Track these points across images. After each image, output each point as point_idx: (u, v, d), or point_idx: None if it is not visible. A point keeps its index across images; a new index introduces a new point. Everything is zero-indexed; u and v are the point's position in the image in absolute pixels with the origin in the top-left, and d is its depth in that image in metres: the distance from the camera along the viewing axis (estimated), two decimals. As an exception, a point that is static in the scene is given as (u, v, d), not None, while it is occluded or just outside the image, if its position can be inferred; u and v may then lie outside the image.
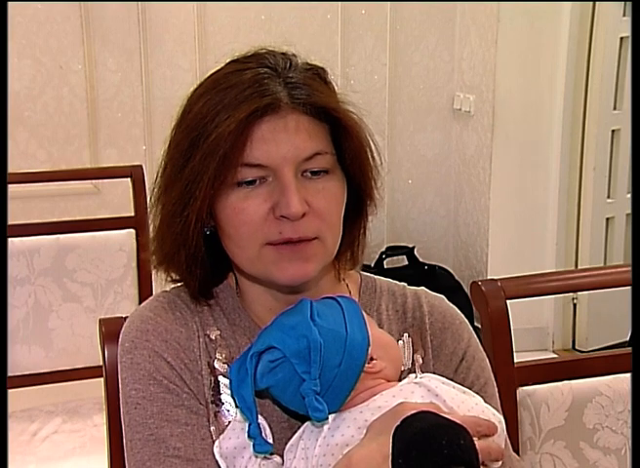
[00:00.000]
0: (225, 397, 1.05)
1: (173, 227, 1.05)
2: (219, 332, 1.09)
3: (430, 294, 1.18)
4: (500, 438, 1.00)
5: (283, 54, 1.07)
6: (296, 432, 1.02)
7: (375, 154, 1.09)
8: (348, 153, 1.06)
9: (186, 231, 1.04)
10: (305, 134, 1.02)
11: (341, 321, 1.00)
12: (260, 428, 0.98)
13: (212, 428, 1.04)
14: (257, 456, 1.00)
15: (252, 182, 1.02)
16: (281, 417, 1.05)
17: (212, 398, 1.05)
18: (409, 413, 0.93)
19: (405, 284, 1.19)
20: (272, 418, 1.05)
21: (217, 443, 1.03)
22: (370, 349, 0.99)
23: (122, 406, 1.06)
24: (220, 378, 1.06)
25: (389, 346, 1.06)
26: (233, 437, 1.02)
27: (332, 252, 1.06)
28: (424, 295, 1.17)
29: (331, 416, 0.98)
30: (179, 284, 1.14)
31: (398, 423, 0.92)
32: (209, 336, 1.08)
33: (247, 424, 0.99)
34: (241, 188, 1.02)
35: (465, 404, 0.98)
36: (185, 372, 1.05)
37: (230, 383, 1.01)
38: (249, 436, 0.98)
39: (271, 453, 1.01)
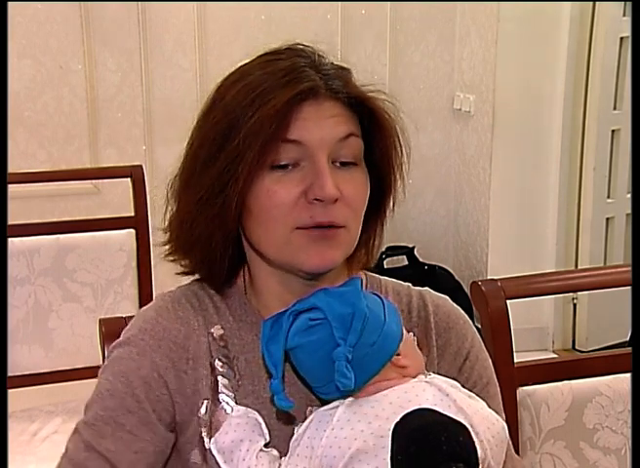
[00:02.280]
0: (223, 397, 1.06)
1: (208, 210, 1.04)
2: (222, 331, 1.09)
3: (434, 294, 1.19)
4: (504, 443, 1.00)
5: (314, 50, 1.09)
6: (294, 427, 1.03)
7: (404, 150, 1.10)
8: (378, 145, 1.08)
9: (225, 212, 1.03)
10: (342, 118, 1.04)
11: (382, 309, 1.01)
12: (283, 384, 0.98)
13: (204, 428, 1.05)
14: (255, 449, 1.00)
15: (285, 167, 1.02)
16: (280, 413, 1.05)
17: (210, 397, 1.06)
18: (409, 409, 0.93)
19: (409, 284, 1.20)
20: (271, 414, 1.05)
21: (213, 439, 1.03)
22: (401, 344, 1.00)
23: (95, 385, 1.08)
24: (219, 378, 1.06)
25: (416, 352, 1.06)
26: (230, 431, 1.02)
27: (354, 243, 1.07)
28: (429, 295, 1.18)
29: (340, 408, 0.98)
30: (193, 278, 1.14)
31: (398, 420, 0.92)
32: (212, 335, 1.08)
33: (271, 380, 0.99)
34: (275, 171, 1.02)
35: (471, 407, 0.98)
36: (170, 372, 1.05)
37: (262, 338, 1.01)
38: (271, 390, 0.98)
39: (267, 445, 1.02)
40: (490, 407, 1.08)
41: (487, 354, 1.18)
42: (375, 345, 0.97)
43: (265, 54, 1.08)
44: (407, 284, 1.20)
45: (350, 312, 0.96)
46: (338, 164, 1.04)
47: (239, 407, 1.04)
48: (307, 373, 1.01)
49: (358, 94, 1.06)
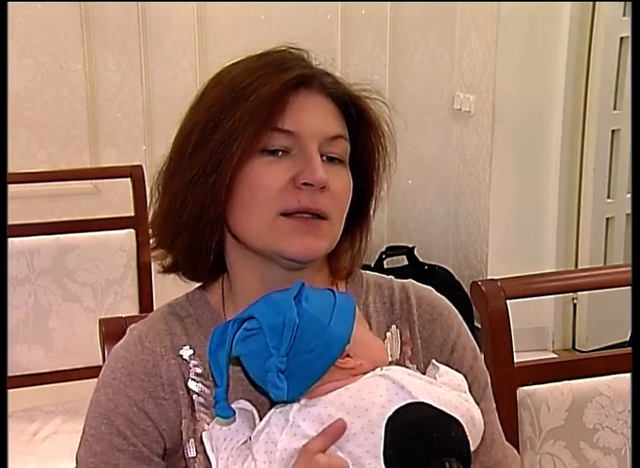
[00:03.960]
0: (200, 414, 1.07)
1: (200, 189, 1.03)
2: (191, 351, 1.09)
3: (418, 286, 1.18)
4: (469, 425, 0.98)
5: (304, 51, 1.10)
6: None
7: (390, 151, 1.11)
8: (364, 145, 1.09)
9: (217, 190, 1.03)
10: (332, 116, 1.06)
11: (329, 312, 0.99)
12: (226, 393, 0.99)
13: (190, 441, 1.05)
14: (238, 441, 1.01)
15: (274, 153, 1.03)
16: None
17: (190, 416, 1.06)
18: (403, 403, 0.92)
19: (392, 277, 1.19)
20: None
21: (207, 427, 1.05)
22: (348, 346, 0.99)
23: (80, 437, 1.09)
24: (195, 397, 1.07)
25: (374, 349, 1.05)
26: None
27: (336, 239, 1.07)
28: (412, 287, 1.17)
29: (296, 406, 0.98)
30: (176, 298, 1.14)
31: (390, 413, 0.91)
32: (181, 357, 1.09)
33: (216, 388, 1.00)
34: (265, 156, 1.03)
35: (431, 395, 0.97)
36: (148, 403, 1.06)
37: (209, 345, 1.02)
38: (214, 398, 0.99)
39: (230, 416, 1.01)
40: (480, 398, 1.09)
41: (475, 344, 1.17)
42: (313, 352, 0.96)
43: (258, 53, 1.09)
44: (389, 277, 1.19)
45: (281, 322, 0.96)
46: (325, 158, 1.05)
47: (240, 400, 1.05)
48: (255, 379, 1.02)
49: (349, 92, 1.08)
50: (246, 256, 1.08)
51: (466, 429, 0.92)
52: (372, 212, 1.14)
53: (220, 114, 1.03)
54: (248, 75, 1.04)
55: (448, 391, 1.00)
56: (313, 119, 1.04)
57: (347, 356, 1.00)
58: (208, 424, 1.06)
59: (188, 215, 1.05)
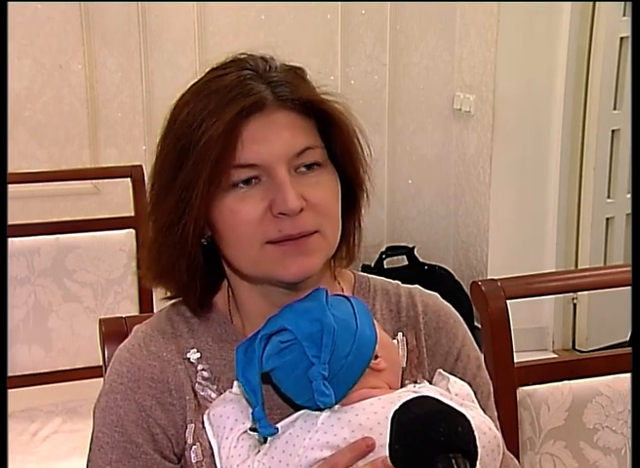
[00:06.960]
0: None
1: (169, 238, 1.04)
2: (198, 355, 1.09)
3: (424, 293, 1.18)
4: (495, 452, 0.99)
5: (261, 57, 1.07)
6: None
7: (363, 144, 1.09)
8: (338, 146, 1.06)
9: (184, 240, 1.03)
10: (294, 130, 1.02)
11: (352, 315, 1.00)
12: (264, 411, 0.98)
13: (195, 445, 1.05)
14: (239, 430, 1.01)
15: (246, 182, 1.01)
16: (278, 404, 1.05)
17: (196, 420, 1.06)
18: (408, 397, 0.93)
19: (399, 282, 1.19)
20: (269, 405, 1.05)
21: (208, 409, 1.04)
22: (377, 346, 1.00)
23: (89, 442, 1.08)
24: (201, 401, 1.07)
25: (392, 350, 1.06)
26: (221, 405, 1.03)
27: (333, 244, 1.06)
28: (418, 294, 1.17)
29: (325, 412, 0.97)
30: (173, 300, 1.14)
31: (397, 407, 0.91)
32: (188, 360, 1.08)
33: (252, 407, 0.99)
34: (236, 190, 1.01)
35: None
36: (156, 409, 1.06)
37: (236, 365, 1.01)
38: (253, 418, 0.98)
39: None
40: (483, 407, 1.08)
41: (479, 353, 1.17)
42: (350, 356, 0.97)
43: (213, 69, 1.07)
44: (396, 282, 1.19)
45: (319, 329, 0.96)
46: (302, 169, 1.03)
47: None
48: (289, 392, 1.01)
49: (309, 97, 1.04)
50: (244, 282, 1.08)
51: (492, 456, 0.92)
52: (362, 203, 1.12)
53: (178, 159, 1.02)
54: (195, 116, 1.01)
55: (478, 414, 1.00)
56: (272, 144, 1.00)
57: (377, 357, 1.01)
58: None
59: (165, 264, 1.07)
